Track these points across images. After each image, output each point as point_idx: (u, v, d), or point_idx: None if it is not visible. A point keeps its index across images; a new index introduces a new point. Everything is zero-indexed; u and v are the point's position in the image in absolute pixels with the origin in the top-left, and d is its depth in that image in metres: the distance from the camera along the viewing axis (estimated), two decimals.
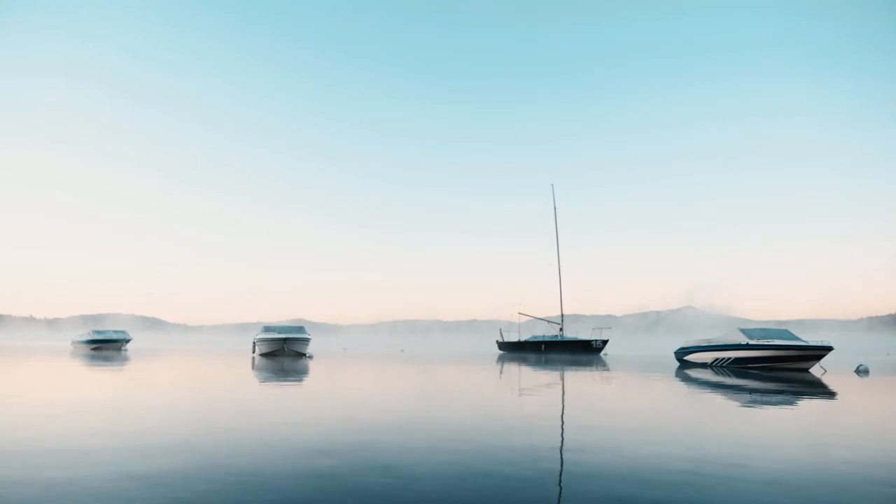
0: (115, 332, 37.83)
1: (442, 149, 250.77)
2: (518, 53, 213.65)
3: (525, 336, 40.91)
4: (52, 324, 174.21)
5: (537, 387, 10.47)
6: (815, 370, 16.75)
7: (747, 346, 18.37)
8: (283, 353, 25.32)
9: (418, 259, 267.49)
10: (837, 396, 9.10)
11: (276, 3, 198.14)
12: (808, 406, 7.68)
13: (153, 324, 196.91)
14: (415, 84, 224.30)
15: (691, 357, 20.75)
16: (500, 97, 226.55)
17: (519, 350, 38.51)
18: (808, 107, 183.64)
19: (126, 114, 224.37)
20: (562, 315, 41.01)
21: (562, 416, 6.33)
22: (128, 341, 37.34)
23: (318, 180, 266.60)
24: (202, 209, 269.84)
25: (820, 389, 10.32)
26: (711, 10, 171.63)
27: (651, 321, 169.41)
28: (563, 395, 8.79)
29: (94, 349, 34.06)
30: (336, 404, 7.14)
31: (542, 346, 37.14)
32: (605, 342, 35.45)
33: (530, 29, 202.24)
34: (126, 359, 21.11)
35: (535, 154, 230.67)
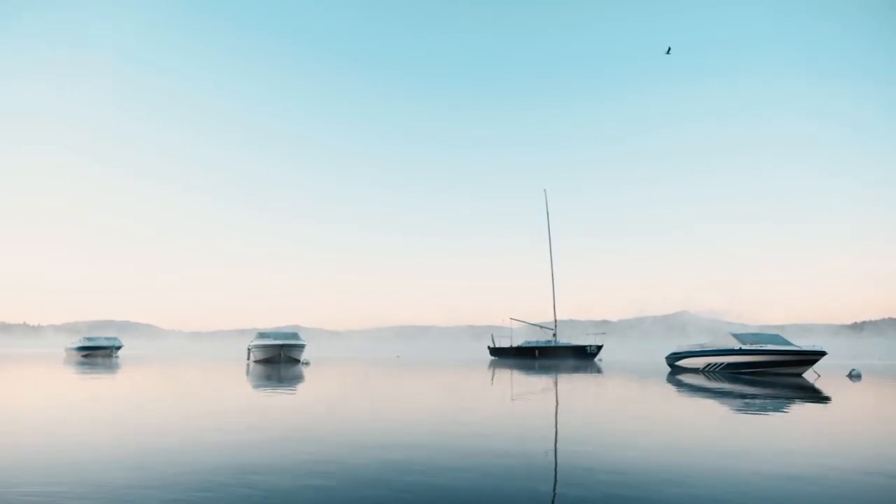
0: (107, 338, 37.69)
1: (439, 151, 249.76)
2: (516, 54, 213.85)
3: (518, 342, 40.67)
4: (46, 331, 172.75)
5: (528, 394, 10.41)
6: (809, 375, 16.74)
7: (740, 352, 18.32)
8: (279, 360, 25.25)
9: (415, 263, 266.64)
10: (830, 401, 9.09)
11: (274, 7, 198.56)
12: (802, 411, 7.65)
13: (148, 330, 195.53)
14: (412, 86, 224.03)
15: (683, 362, 20.68)
16: (498, 98, 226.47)
17: (511, 356, 38.30)
18: (807, 107, 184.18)
19: (124, 118, 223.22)
20: (555, 320, 40.87)
21: (555, 422, 6.26)
22: (119, 348, 37.08)
23: (317, 184, 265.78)
24: (200, 214, 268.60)
25: (813, 394, 10.30)
26: (711, 10, 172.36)
27: (647, 326, 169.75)
28: (556, 402, 8.74)
29: (84, 356, 33.81)
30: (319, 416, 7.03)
31: (536, 352, 36.96)
32: (599, 347, 35.26)
33: (529, 30, 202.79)
34: (116, 366, 20.89)
35: (533, 155, 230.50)
